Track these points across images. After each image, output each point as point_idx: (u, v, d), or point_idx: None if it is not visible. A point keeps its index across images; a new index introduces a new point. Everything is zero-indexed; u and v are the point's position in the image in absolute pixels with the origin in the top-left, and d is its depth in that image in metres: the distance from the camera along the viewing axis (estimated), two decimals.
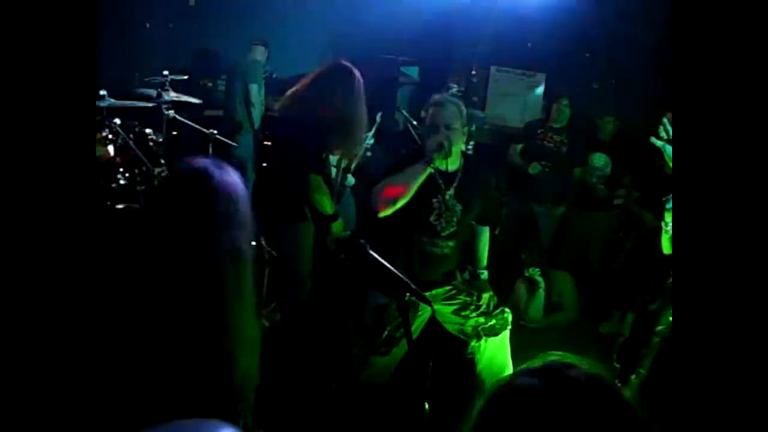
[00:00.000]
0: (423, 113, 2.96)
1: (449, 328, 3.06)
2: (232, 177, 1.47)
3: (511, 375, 0.93)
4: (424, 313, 2.86)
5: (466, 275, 3.18)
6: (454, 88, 5.02)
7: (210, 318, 1.37)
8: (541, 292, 4.47)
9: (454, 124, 2.85)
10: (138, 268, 1.40)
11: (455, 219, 2.94)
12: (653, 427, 0.89)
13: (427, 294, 2.82)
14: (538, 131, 4.84)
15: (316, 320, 3.99)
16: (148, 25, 6.41)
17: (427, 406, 1.84)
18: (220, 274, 1.39)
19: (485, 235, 3.24)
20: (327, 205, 3.29)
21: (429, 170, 2.77)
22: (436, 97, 3.02)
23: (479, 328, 3.01)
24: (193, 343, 1.34)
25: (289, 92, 3.33)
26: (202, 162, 1.47)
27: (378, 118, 3.98)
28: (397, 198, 2.75)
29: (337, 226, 3.41)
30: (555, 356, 0.93)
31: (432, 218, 2.90)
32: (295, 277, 3.39)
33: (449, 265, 3.03)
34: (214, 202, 1.41)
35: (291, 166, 3.24)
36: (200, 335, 1.35)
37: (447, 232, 2.94)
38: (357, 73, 3.24)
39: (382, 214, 2.78)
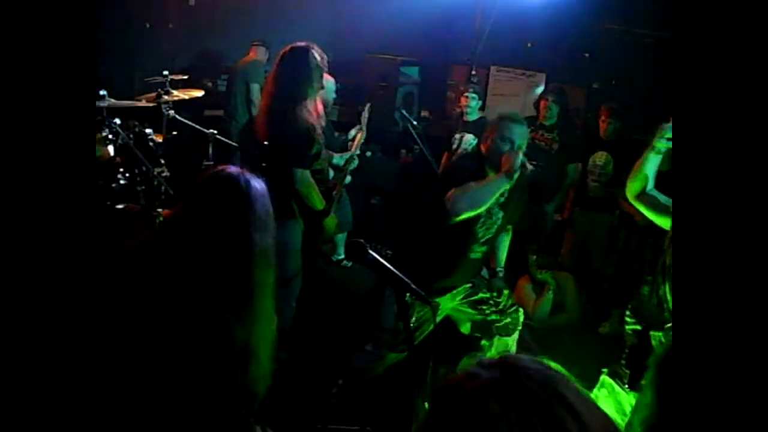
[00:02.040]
0: (490, 129, 2.96)
1: (463, 325, 3.09)
2: (260, 183, 1.59)
3: (462, 367, 0.91)
4: (442, 311, 2.94)
5: (484, 273, 3.19)
6: (475, 98, 4.98)
7: (238, 316, 1.40)
8: (550, 294, 4.46)
9: (524, 145, 2.89)
10: (167, 267, 1.44)
11: (495, 226, 2.98)
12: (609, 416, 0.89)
13: (450, 293, 2.87)
14: (529, 129, 4.83)
15: (310, 318, 4.00)
16: (148, 25, 6.40)
17: (427, 405, 1.84)
18: (250, 274, 1.47)
19: (509, 235, 3.28)
20: (316, 200, 3.27)
21: (509, 185, 2.79)
22: (509, 112, 3.12)
23: (493, 326, 3.04)
24: (216, 340, 1.37)
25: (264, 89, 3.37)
26: (235, 168, 1.59)
27: (366, 111, 3.95)
28: (476, 207, 2.77)
29: (329, 222, 3.40)
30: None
31: (478, 226, 2.94)
32: (284, 273, 3.38)
33: (478, 266, 3.11)
34: (249, 206, 1.52)
35: (278, 160, 3.24)
36: (227, 332, 1.38)
37: (485, 238, 2.99)
38: (314, 50, 3.21)
39: (456, 220, 2.77)
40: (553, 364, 0.88)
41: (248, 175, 1.57)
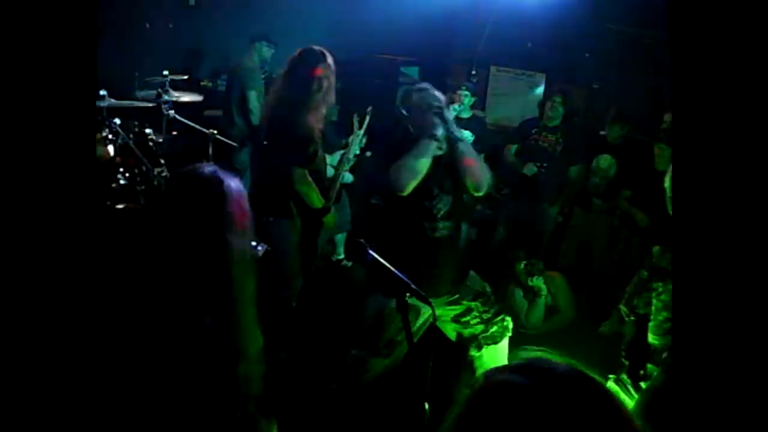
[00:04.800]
0: (406, 104, 2.95)
1: (448, 333, 3.04)
2: (237, 182, 1.55)
3: (491, 372, 0.90)
4: (425, 314, 2.85)
5: (474, 283, 3.11)
6: (468, 95, 4.97)
7: (220, 318, 1.40)
8: (543, 301, 4.42)
9: (440, 102, 2.88)
10: (147, 267, 1.43)
11: (450, 197, 2.92)
12: (637, 422, 0.88)
13: (433, 299, 2.80)
14: (533, 131, 4.83)
15: (310, 318, 4.00)
16: (148, 25, 6.40)
17: (427, 406, 1.84)
18: (228, 276, 1.45)
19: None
20: (315, 198, 3.29)
21: (436, 144, 2.78)
22: (419, 85, 3.06)
23: (479, 337, 3.00)
24: (199, 339, 1.36)
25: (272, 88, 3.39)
26: (210, 167, 1.55)
27: (369, 113, 3.96)
28: (417, 173, 2.76)
29: (329, 219, 3.41)
30: (535, 353, 0.92)
31: (427, 202, 2.88)
32: (283, 273, 3.40)
33: (452, 248, 2.99)
34: (223, 205, 1.48)
35: (276, 160, 3.27)
36: (207, 331, 1.37)
37: (442, 212, 2.92)
38: (327, 55, 3.27)
39: (405, 193, 2.77)
40: (578, 365, 0.88)
41: (223, 175, 1.53)
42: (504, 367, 0.89)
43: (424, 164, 2.77)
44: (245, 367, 1.42)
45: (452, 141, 2.85)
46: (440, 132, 2.80)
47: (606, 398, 0.85)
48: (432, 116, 2.81)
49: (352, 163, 3.77)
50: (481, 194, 3.04)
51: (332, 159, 3.82)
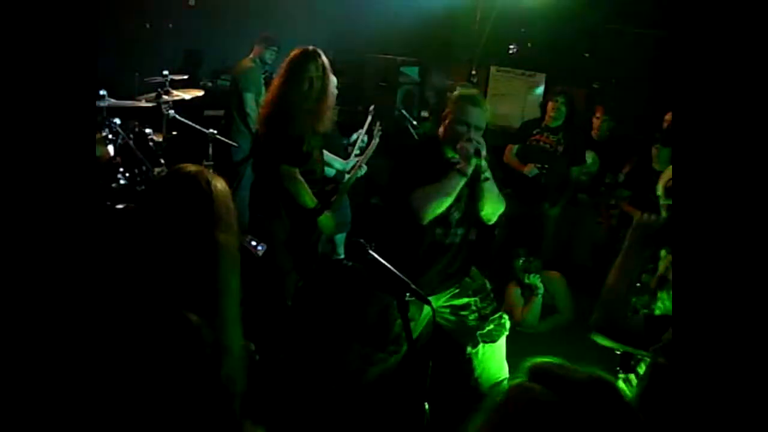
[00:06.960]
0: (447, 105, 2.91)
1: (444, 325, 3.04)
2: (222, 182, 1.56)
3: (510, 382, 0.91)
4: (425, 310, 2.84)
5: (472, 284, 3.10)
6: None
7: (205, 316, 1.40)
8: (539, 299, 4.42)
9: (483, 125, 2.83)
10: (134, 265, 1.44)
11: (463, 205, 2.91)
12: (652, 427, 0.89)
13: (433, 296, 2.81)
14: (534, 131, 4.83)
15: (310, 318, 3.99)
16: (148, 25, 6.41)
17: (427, 406, 1.84)
18: (215, 274, 1.46)
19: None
20: (307, 198, 3.27)
21: (465, 180, 2.76)
22: (468, 90, 3.00)
23: (477, 334, 3.00)
24: (184, 335, 1.36)
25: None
26: (195, 167, 1.56)
27: (370, 112, 3.96)
28: (441, 207, 2.77)
29: (325, 220, 3.40)
30: (545, 360, 0.92)
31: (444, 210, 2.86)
32: (275, 271, 3.41)
33: (460, 255, 3.00)
34: (209, 204, 1.49)
35: (269, 158, 3.28)
36: (193, 328, 1.37)
37: (456, 219, 2.92)
38: (321, 54, 3.28)
39: (425, 222, 2.78)
40: (602, 373, 0.88)
41: (209, 175, 1.55)
42: (521, 375, 0.89)
43: (450, 200, 2.77)
44: (228, 365, 1.42)
45: (478, 176, 2.81)
46: (471, 170, 2.75)
47: (621, 403, 0.85)
48: (468, 145, 2.75)
49: (365, 170, 3.76)
50: (490, 224, 3.08)
51: (341, 165, 3.81)
